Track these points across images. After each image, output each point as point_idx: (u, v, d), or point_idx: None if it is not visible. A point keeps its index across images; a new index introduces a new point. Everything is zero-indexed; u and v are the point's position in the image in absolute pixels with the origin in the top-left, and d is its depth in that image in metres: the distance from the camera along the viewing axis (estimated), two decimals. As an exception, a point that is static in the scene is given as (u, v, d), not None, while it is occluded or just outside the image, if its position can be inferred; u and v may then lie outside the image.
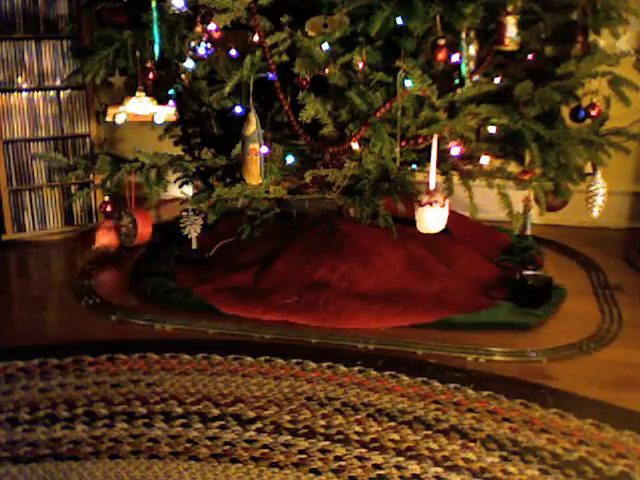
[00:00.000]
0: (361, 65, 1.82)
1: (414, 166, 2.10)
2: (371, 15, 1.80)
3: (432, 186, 1.88)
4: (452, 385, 1.68)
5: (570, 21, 1.97)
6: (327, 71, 1.84)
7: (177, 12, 1.99)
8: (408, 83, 1.78)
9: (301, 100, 1.85)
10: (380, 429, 1.50)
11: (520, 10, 1.81)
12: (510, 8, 1.78)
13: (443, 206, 1.87)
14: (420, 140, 1.90)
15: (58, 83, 2.73)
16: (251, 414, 1.56)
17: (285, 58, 1.86)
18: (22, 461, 1.39)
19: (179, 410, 1.57)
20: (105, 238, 2.37)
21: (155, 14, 2.02)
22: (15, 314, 2.19)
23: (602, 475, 1.36)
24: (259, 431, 1.49)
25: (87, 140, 2.82)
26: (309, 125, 1.89)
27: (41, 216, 2.79)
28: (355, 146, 1.91)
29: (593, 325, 2.03)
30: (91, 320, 2.09)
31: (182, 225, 2.39)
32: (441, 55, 1.78)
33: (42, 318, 2.13)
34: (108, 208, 2.42)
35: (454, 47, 1.82)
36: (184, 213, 2.40)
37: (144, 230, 2.14)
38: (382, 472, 1.36)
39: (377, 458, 1.40)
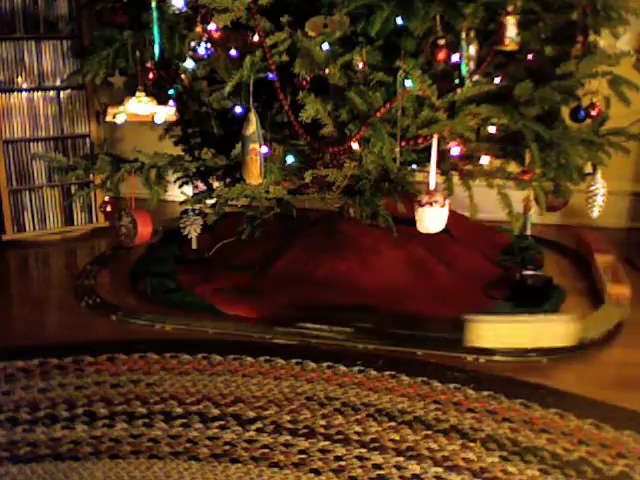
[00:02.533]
0: (361, 65, 1.82)
1: (414, 166, 2.10)
2: (371, 15, 1.80)
3: (432, 186, 1.88)
4: (452, 385, 1.68)
5: (570, 21, 1.97)
6: (327, 71, 1.84)
7: (177, 12, 2.00)
8: (408, 83, 1.78)
9: (301, 100, 1.85)
10: (380, 429, 1.50)
11: (520, 10, 1.81)
12: (510, 8, 1.77)
13: (443, 206, 1.87)
14: (420, 140, 1.90)
15: (58, 83, 2.73)
16: (251, 414, 1.56)
17: (285, 58, 1.86)
18: (22, 461, 1.39)
19: (179, 410, 1.57)
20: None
21: (155, 14, 2.02)
22: (15, 314, 2.19)
23: (602, 475, 1.36)
24: (259, 431, 1.49)
25: (87, 140, 2.81)
26: (309, 125, 1.89)
27: (41, 216, 2.79)
28: (355, 146, 1.91)
29: (593, 325, 2.03)
30: (91, 320, 2.09)
31: (182, 225, 2.39)
32: (441, 55, 1.78)
33: (42, 318, 2.13)
34: (108, 208, 2.42)
35: (454, 47, 1.81)
36: (184, 213, 2.40)
37: (144, 230, 2.13)
38: (382, 472, 1.36)
39: (377, 458, 1.40)
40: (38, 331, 2.02)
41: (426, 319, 2.00)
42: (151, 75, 2.15)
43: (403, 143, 1.90)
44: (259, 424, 1.52)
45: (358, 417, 1.55)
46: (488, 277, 2.29)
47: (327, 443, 1.45)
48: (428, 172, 1.90)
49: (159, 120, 2.21)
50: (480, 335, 1.85)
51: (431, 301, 2.10)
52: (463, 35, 1.82)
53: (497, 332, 1.86)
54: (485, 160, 2.08)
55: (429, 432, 1.49)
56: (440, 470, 1.37)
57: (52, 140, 2.76)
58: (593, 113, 2.04)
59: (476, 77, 1.91)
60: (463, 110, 1.87)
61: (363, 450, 1.43)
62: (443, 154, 2.01)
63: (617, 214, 2.90)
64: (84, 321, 2.08)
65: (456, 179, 2.15)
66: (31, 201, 2.77)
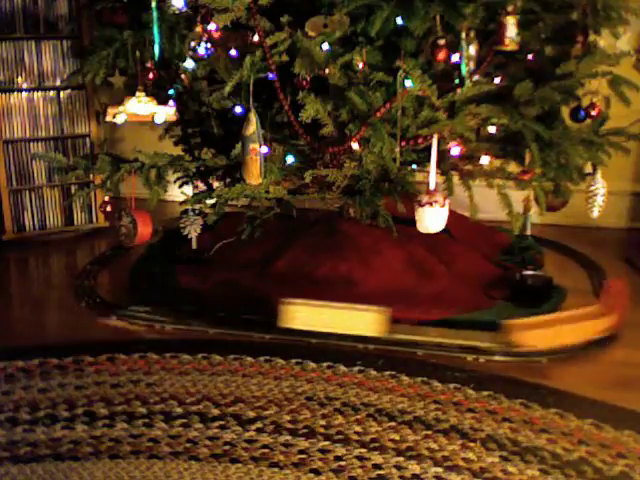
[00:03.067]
0: (361, 65, 1.82)
1: (414, 166, 2.10)
2: (371, 15, 1.80)
3: (432, 186, 1.88)
4: (452, 385, 1.68)
5: (570, 21, 1.98)
6: (327, 71, 1.84)
7: (177, 12, 2.00)
8: (408, 83, 1.78)
9: (301, 100, 1.85)
10: (380, 429, 1.50)
11: (520, 10, 1.81)
12: (510, 8, 1.78)
13: (443, 206, 1.87)
14: (420, 140, 1.90)
15: (58, 83, 2.73)
16: (251, 414, 1.56)
17: (285, 58, 1.86)
18: (22, 461, 1.39)
19: (179, 410, 1.57)
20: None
21: (155, 14, 2.02)
22: (15, 314, 2.19)
23: (602, 475, 1.36)
24: (259, 431, 1.49)
25: (87, 140, 2.81)
26: (309, 125, 1.89)
27: (41, 216, 2.79)
28: (355, 146, 1.91)
29: (593, 325, 2.03)
30: (91, 320, 2.09)
31: (182, 225, 2.39)
32: (441, 55, 1.78)
33: (42, 318, 2.13)
34: (108, 208, 2.42)
35: (454, 47, 1.82)
36: (184, 213, 2.39)
37: (144, 230, 2.13)
38: (382, 472, 1.36)
39: (377, 458, 1.40)
40: (38, 331, 2.02)
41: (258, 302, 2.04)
42: (151, 75, 2.15)
43: (403, 143, 1.90)
44: (259, 424, 1.52)
45: (358, 417, 1.55)
46: (488, 277, 2.29)
47: (327, 443, 1.45)
48: (428, 172, 1.90)
49: (159, 120, 2.21)
50: (293, 317, 1.86)
51: (431, 301, 2.10)
52: (463, 35, 1.82)
53: (308, 315, 1.87)
54: (485, 160, 2.08)
55: (429, 432, 1.49)
56: (440, 470, 1.37)
57: (52, 140, 2.76)
58: (593, 113, 2.04)
59: (476, 77, 1.91)
60: (463, 110, 1.87)
61: (363, 450, 1.43)
62: (443, 154, 2.02)
63: (617, 214, 2.90)
64: (84, 321, 2.08)
65: (456, 179, 2.16)
66: (31, 201, 2.77)
